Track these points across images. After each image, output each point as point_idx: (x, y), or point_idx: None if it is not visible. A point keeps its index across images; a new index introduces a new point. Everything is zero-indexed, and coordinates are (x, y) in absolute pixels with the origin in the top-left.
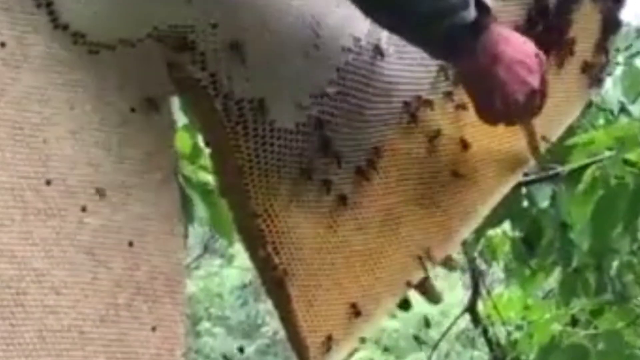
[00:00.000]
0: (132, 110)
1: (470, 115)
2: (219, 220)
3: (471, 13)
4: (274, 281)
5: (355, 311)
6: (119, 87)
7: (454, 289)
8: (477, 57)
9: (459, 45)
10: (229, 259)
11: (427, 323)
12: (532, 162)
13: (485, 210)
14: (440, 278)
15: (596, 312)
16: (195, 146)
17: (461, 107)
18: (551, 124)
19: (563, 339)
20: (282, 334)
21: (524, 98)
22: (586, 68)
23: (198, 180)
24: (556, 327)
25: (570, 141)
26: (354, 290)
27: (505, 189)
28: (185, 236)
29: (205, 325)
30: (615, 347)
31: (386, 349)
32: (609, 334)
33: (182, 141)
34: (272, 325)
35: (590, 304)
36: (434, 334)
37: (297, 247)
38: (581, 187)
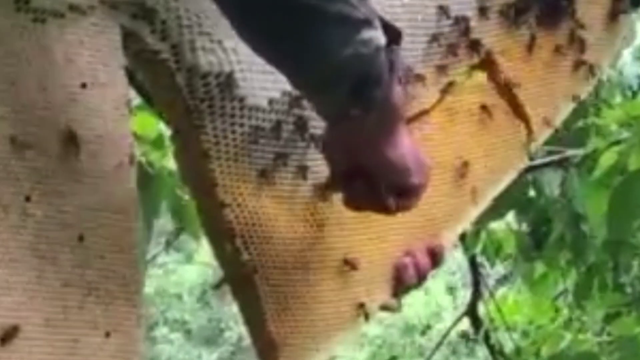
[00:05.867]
0: (83, 86)
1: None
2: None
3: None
4: (241, 279)
5: (333, 316)
6: (68, 60)
7: (451, 289)
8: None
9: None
10: (189, 255)
11: (412, 329)
12: (536, 147)
13: (482, 201)
14: (433, 276)
15: (611, 317)
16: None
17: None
18: (559, 101)
19: (573, 346)
20: (248, 340)
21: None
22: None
23: (164, 167)
24: (566, 335)
25: (583, 122)
26: (332, 291)
27: (506, 178)
28: (149, 229)
29: (162, 330)
30: (631, 355)
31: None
32: (624, 340)
33: (148, 125)
34: (237, 330)
35: (604, 307)
36: (424, 340)
37: (269, 241)
38: (597, 173)
